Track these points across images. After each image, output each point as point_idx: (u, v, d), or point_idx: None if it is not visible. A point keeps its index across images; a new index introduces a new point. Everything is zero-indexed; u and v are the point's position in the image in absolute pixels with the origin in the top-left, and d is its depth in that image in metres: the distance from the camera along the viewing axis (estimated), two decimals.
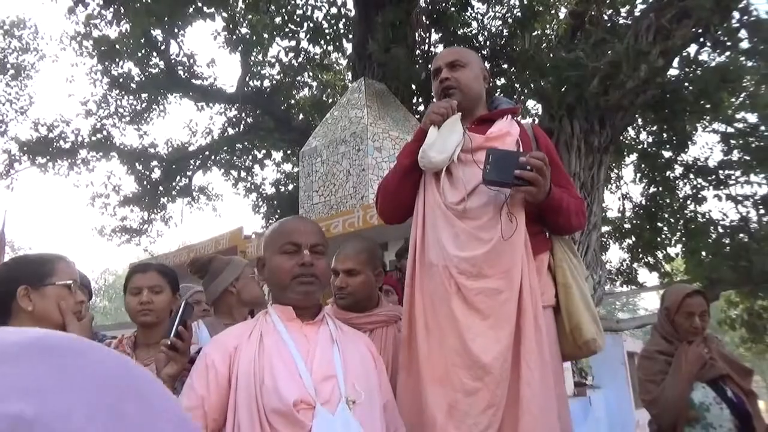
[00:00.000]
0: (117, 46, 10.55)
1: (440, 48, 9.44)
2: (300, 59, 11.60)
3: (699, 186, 10.56)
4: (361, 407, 1.50)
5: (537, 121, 9.47)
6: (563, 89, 7.53)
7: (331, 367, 1.56)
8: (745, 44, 7.91)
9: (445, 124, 1.94)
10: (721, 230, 10.20)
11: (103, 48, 10.49)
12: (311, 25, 10.23)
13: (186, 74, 11.71)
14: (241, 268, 2.61)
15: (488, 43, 9.44)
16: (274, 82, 12.38)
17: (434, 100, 2.17)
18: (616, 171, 11.32)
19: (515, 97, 9.43)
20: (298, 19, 10.32)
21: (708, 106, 8.59)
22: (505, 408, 1.74)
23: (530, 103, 10.55)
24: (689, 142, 10.06)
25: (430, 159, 1.94)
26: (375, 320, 2.17)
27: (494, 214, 1.87)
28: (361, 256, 2.20)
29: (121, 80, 11.77)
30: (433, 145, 1.93)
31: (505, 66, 9.65)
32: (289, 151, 12.73)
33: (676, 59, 8.08)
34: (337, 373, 1.55)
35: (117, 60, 11.23)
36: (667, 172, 10.68)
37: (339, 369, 1.56)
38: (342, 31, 10.30)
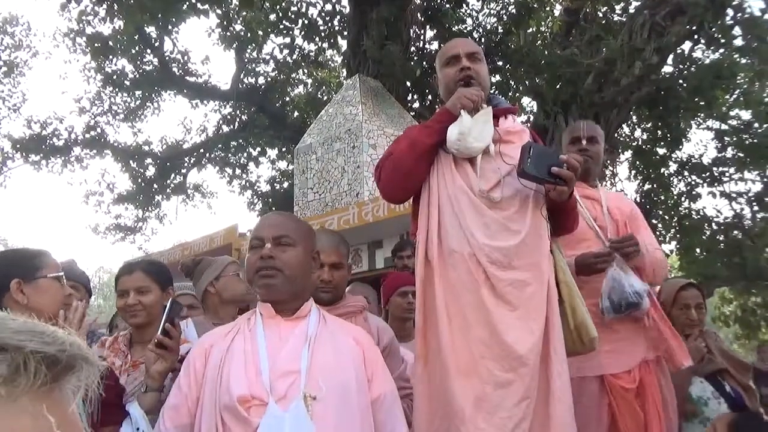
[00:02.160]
0: (110, 43, 10.50)
1: (435, 45, 9.43)
2: (294, 56, 11.57)
3: (693, 183, 10.60)
4: (324, 403, 1.45)
5: (532, 117, 9.48)
6: (558, 86, 7.53)
7: (296, 363, 1.51)
8: (739, 41, 7.95)
9: (480, 113, 1.93)
10: (715, 227, 10.25)
11: (96, 45, 10.42)
12: (306, 21, 10.20)
13: (180, 71, 11.65)
14: (220, 268, 2.57)
15: (483, 39, 9.43)
16: (269, 79, 12.34)
17: (441, 88, 2.14)
18: (610, 168, 11.33)
19: (510, 94, 9.44)
20: (293, 16, 10.29)
21: (702, 103, 8.62)
22: (536, 400, 1.74)
23: (525, 100, 10.57)
24: (683, 139, 10.10)
25: (468, 145, 1.91)
26: (344, 312, 2.17)
27: (521, 206, 1.89)
28: (341, 250, 2.20)
29: (114, 77, 11.70)
30: (470, 131, 1.91)
31: (500, 63, 9.65)
32: (284, 149, 12.70)
33: (671, 56, 8.11)
34: (301, 368, 1.50)
35: (111, 57, 11.17)
36: (662, 169, 10.72)
37: (304, 364, 1.51)
38: (337, 27, 10.27)
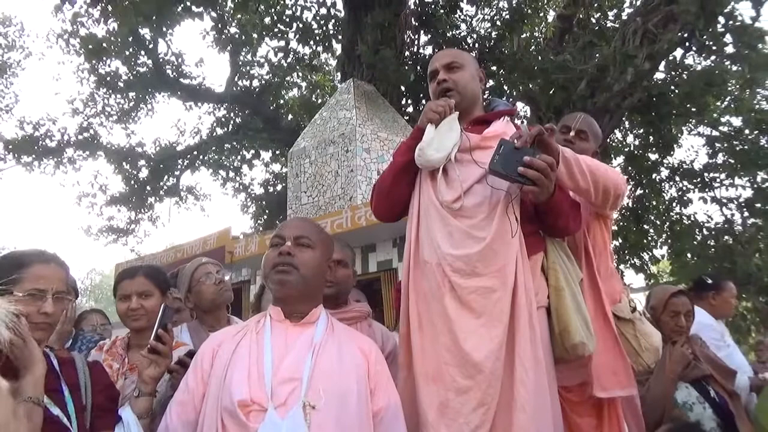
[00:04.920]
0: (104, 45, 10.45)
1: (429, 50, 9.47)
2: (289, 59, 11.56)
3: (685, 188, 10.67)
4: (323, 413, 1.45)
5: (526, 123, 9.52)
6: (551, 92, 7.58)
7: (298, 370, 1.52)
8: (730, 49, 8.01)
9: (443, 122, 1.94)
10: (706, 232, 10.31)
11: (90, 46, 10.37)
12: (300, 25, 10.21)
13: (174, 73, 11.62)
14: (188, 280, 2.51)
15: (477, 45, 9.48)
16: (263, 82, 12.33)
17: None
18: None
19: (503, 99, 9.46)
20: (288, 20, 10.30)
21: (693, 109, 8.68)
22: (499, 407, 1.72)
23: (518, 105, 10.61)
24: (675, 145, 10.15)
25: (428, 157, 1.94)
26: (347, 316, 2.21)
27: (489, 212, 1.88)
28: (347, 252, 2.29)
29: (108, 79, 11.65)
30: (431, 143, 1.93)
31: (494, 68, 9.69)
32: (277, 152, 12.68)
33: (663, 63, 8.16)
34: (303, 376, 1.50)
35: (104, 58, 11.12)
36: (654, 175, 10.77)
37: (306, 372, 1.51)
38: (331, 31, 10.29)
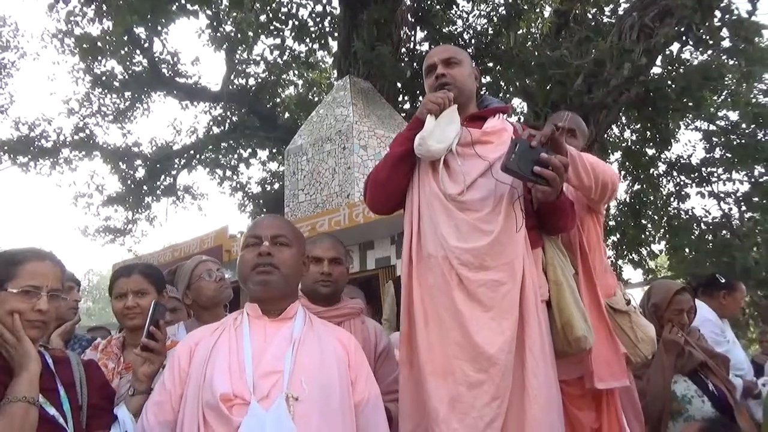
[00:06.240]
0: (99, 44, 10.41)
1: (426, 46, 9.44)
2: (285, 57, 11.54)
3: (682, 183, 10.69)
4: (306, 404, 1.46)
5: (522, 119, 9.51)
6: (548, 87, 7.56)
7: (279, 364, 1.52)
8: (726, 43, 8.00)
9: (443, 114, 1.94)
10: (703, 227, 10.33)
11: (85, 46, 10.33)
12: (296, 22, 10.17)
13: (170, 72, 11.59)
14: (188, 277, 2.53)
15: (473, 41, 9.46)
16: (260, 80, 12.31)
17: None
18: None
19: (500, 95, 9.47)
20: (283, 17, 10.25)
21: (690, 104, 8.67)
22: (510, 400, 1.73)
23: (515, 101, 10.60)
24: (672, 140, 10.17)
25: (429, 147, 1.93)
26: (341, 313, 2.21)
27: (494, 206, 1.88)
28: (341, 249, 2.28)
29: (103, 78, 11.62)
30: (431, 133, 1.92)
31: (490, 64, 9.68)
32: (274, 150, 12.66)
33: (659, 57, 8.16)
34: (284, 369, 1.51)
35: (99, 58, 11.09)
36: (651, 170, 10.79)
37: (287, 365, 1.51)
38: (327, 29, 10.24)
